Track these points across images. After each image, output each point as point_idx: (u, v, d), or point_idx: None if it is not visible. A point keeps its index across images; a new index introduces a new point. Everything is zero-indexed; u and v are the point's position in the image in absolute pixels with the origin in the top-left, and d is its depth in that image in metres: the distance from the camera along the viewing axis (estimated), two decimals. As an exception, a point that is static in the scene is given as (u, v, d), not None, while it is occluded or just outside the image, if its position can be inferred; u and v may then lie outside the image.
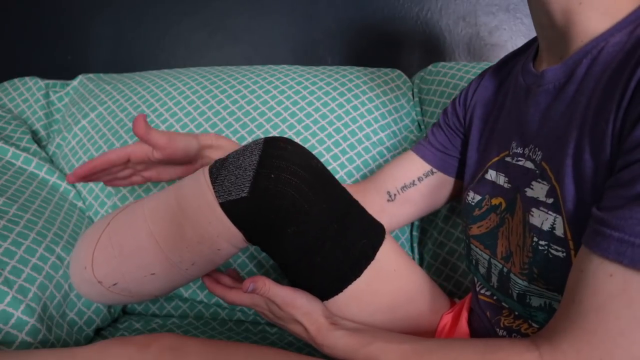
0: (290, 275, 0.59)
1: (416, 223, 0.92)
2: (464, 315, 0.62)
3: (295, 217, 0.53)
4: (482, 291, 0.59)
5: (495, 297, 0.57)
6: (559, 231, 0.44)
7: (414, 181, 0.71)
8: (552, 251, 0.45)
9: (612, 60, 0.43)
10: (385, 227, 0.63)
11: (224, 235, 0.55)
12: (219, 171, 0.55)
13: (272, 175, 0.53)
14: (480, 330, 0.58)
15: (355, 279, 0.57)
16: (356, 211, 0.58)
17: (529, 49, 0.60)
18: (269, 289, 0.57)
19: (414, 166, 0.72)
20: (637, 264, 0.35)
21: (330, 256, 0.55)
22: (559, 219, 0.44)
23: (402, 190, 0.71)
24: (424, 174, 0.71)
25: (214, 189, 0.54)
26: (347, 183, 0.89)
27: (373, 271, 0.58)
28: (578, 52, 0.47)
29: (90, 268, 0.56)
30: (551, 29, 0.50)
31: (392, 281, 0.60)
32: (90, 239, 0.58)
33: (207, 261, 0.57)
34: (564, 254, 0.44)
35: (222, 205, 0.54)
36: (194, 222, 0.55)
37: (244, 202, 0.53)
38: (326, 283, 0.57)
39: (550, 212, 0.45)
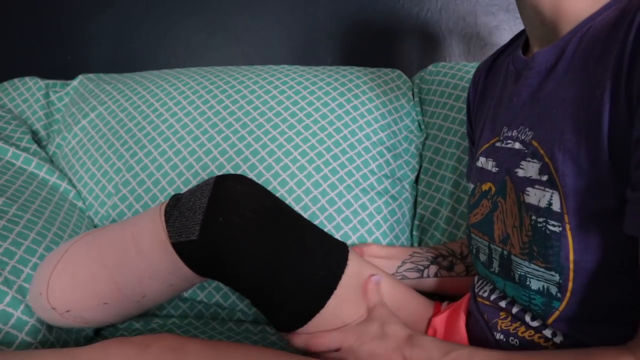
0: (255, 306, 0.59)
1: (416, 223, 0.92)
2: (462, 317, 0.62)
3: (244, 259, 0.54)
4: (481, 293, 0.59)
5: (492, 298, 0.57)
6: (556, 206, 0.45)
7: None
8: (549, 227, 0.46)
9: (601, 32, 0.45)
10: None
11: (176, 273, 0.57)
12: (172, 211, 0.57)
13: (220, 219, 0.54)
14: (477, 333, 0.58)
15: (318, 311, 0.57)
16: (311, 243, 0.58)
17: (518, 40, 0.61)
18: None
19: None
20: None
21: (287, 293, 0.55)
22: (556, 194, 0.45)
23: None
24: None
25: (167, 228, 0.56)
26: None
27: (337, 299, 0.57)
28: (568, 34, 0.49)
29: (45, 294, 0.58)
30: (542, 26, 0.52)
31: (360, 305, 0.59)
32: (48, 266, 0.60)
33: (160, 294, 0.60)
34: (560, 229, 0.45)
35: (174, 245, 0.55)
36: (147, 258, 0.57)
37: (194, 245, 0.54)
38: (288, 318, 0.57)
39: (547, 189, 0.46)
